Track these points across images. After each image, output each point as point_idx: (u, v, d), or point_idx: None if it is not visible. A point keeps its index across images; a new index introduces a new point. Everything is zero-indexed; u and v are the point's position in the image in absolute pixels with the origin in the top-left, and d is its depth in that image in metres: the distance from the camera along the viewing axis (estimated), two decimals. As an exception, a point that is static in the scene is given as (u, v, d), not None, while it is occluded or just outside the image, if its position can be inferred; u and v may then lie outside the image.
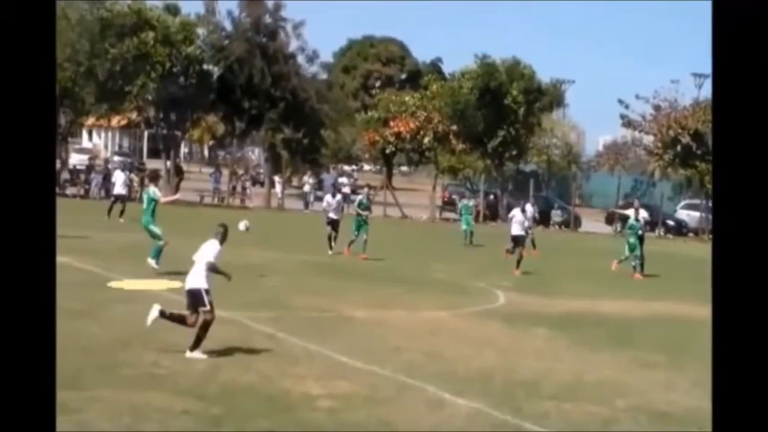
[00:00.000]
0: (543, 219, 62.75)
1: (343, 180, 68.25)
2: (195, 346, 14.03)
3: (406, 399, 12.68)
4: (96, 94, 55.36)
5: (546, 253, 41.57)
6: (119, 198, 38.69)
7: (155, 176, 25.59)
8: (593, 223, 64.27)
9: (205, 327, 14.07)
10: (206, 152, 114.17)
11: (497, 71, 63.24)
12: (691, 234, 62.85)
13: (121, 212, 37.54)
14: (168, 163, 56.72)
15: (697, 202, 69.37)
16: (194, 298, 14.17)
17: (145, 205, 24.22)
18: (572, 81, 77.84)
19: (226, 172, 62.75)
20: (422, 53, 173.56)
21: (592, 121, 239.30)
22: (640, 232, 32.30)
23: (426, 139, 62.82)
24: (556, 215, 63.15)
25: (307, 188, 61.46)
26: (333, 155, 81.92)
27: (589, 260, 38.17)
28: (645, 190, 79.11)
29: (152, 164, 70.04)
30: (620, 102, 70.36)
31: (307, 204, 59.83)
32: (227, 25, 57.91)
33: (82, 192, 55.60)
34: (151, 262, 23.27)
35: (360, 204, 33.37)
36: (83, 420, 10.21)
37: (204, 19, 57.57)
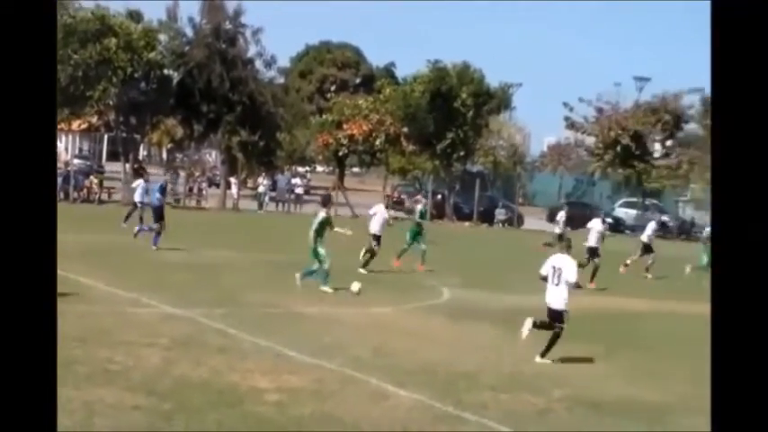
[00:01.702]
0: (488, 217, 63.09)
1: (297, 181, 68.00)
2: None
3: (351, 392, 12.68)
4: (58, 99, 54.77)
5: (490, 250, 41.75)
6: (138, 205, 36.84)
7: (327, 201, 23.70)
8: (535, 221, 64.64)
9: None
10: (164, 155, 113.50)
11: (448, 75, 63.54)
12: (628, 231, 63.31)
13: (127, 217, 36.17)
14: (127, 166, 56.25)
15: (634, 200, 70.02)
16: None
17: (315, 227, 22.37)
18: (519, 84, 78.08)
19: (183, 174, 62.32)
20: (376, 58, 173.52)
21: (538, 123, 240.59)
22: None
23: (378, 142, 62.80)
24: (500, 214, 63.46)
25: (261, 189, 61.21)
26: (287, 157, 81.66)
27: (531, 257, 38.31)
28: (585, 189, 79.80)
29: (111, 166, 69.47)
30: (565, 104, 70.89)
31: (261, 205, 59.59)
32: (188, 31, 57.57)
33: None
34: (325, 288, 22.10)
35: (420, 214, 31.80)
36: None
37: (166, 25, 57.15)
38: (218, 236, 36.78)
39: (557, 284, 15.96)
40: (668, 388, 14.79)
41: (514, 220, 63.94)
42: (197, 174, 67.42)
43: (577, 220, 44.10)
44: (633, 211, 67.76)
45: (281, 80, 76.20)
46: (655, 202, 70.94)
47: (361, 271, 26.52)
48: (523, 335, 15.77)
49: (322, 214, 22.46)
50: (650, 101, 70.00)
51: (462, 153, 65.73)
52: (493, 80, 67.03)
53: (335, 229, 22.74)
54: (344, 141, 63.92)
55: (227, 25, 58.04)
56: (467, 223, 61.97)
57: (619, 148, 67.30)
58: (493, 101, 65.78)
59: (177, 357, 13.81)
